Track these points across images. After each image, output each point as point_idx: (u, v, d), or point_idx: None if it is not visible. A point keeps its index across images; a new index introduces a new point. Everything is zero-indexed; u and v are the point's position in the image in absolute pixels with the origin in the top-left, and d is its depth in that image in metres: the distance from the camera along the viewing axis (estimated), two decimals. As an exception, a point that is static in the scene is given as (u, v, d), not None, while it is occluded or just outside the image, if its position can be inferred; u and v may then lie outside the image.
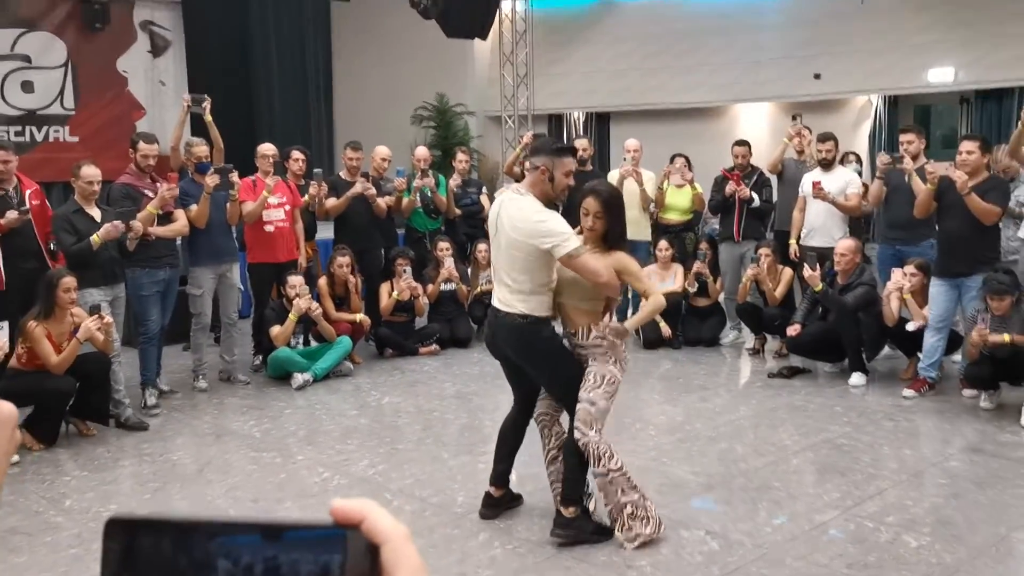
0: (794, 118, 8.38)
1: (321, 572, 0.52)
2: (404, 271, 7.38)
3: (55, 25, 11.85)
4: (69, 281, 5.29)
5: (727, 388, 6.64)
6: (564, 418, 4.06)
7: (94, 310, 5.37)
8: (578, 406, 3.76)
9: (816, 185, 6.99)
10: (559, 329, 3.98)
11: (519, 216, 3.78)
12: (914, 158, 6.42)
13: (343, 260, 7.17)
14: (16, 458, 5.02)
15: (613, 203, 3.90)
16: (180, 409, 6.18)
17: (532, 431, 4.18)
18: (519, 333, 3.83)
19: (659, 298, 3.99)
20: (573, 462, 3.84)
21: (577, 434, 3.76)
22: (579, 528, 3.85)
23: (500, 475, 4.17)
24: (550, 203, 3.93)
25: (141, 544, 0.53)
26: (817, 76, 11.49)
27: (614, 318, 4.04)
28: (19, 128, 11.57)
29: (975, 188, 5.70)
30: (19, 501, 4.52)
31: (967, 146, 5.85)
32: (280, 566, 0.52)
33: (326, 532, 0.53)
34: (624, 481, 3.78)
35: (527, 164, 4.03)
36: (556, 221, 3.74)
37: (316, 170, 7.50)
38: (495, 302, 3.93)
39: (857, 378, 6.41)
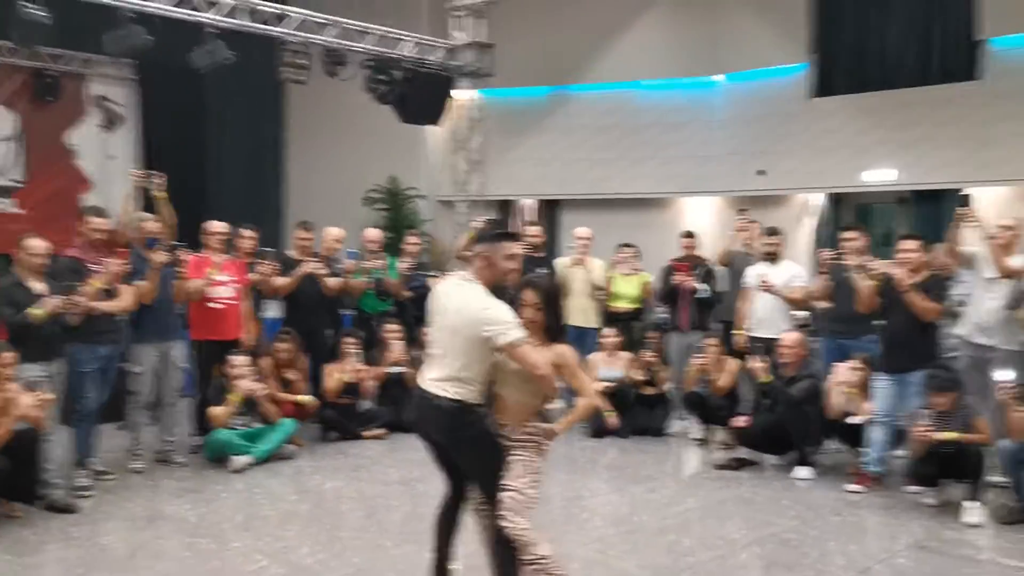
0: (741, 211, 8.58)
1: None
2: (350, 356, 7.30)
3: (6, 96, 11.76)
4: (7, 356, 5.19)
5: (674, 478, 6.61)
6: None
7: (33, 385, 5.22)
8: (505, 494, 3.71)
9: (762, 279, 7.12)
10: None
11: (464, 302, 3.79)
12: (856, 255, 6.58)
13: (284, 346, 7.10)
14: (-67, 541, 4.77)
15: (551, 295, 3.94)
16: (113, 491, 5.94)
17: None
18: (448, 417, 3.77)
19: (592, 400, 4.01)
20: (503, 552, 3.76)
21: (504, 523, 3.69)
22: None
23: (440, 566, 4.06)
24: (499, 290, 3.92)
25: None
26: (762, 172, 11.82)
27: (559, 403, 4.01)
28: (-36, 199, 11.37)
29: (915, 285, 5.85)
30: (-67, 588, 4.28)
31: (907, 244, 6.04)
32: None
33: None
34: (554, 569, 3.72)
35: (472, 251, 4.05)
36: (500, 310, 3.74)
37: (266, 249, 7.45)
38: (424, 382, 3.87)
39: (804, 471, 6.43)
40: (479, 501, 3.97)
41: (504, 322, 3.68)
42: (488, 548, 3.95)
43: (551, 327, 3.88)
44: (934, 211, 10.95)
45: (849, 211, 11.77)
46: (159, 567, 4.64)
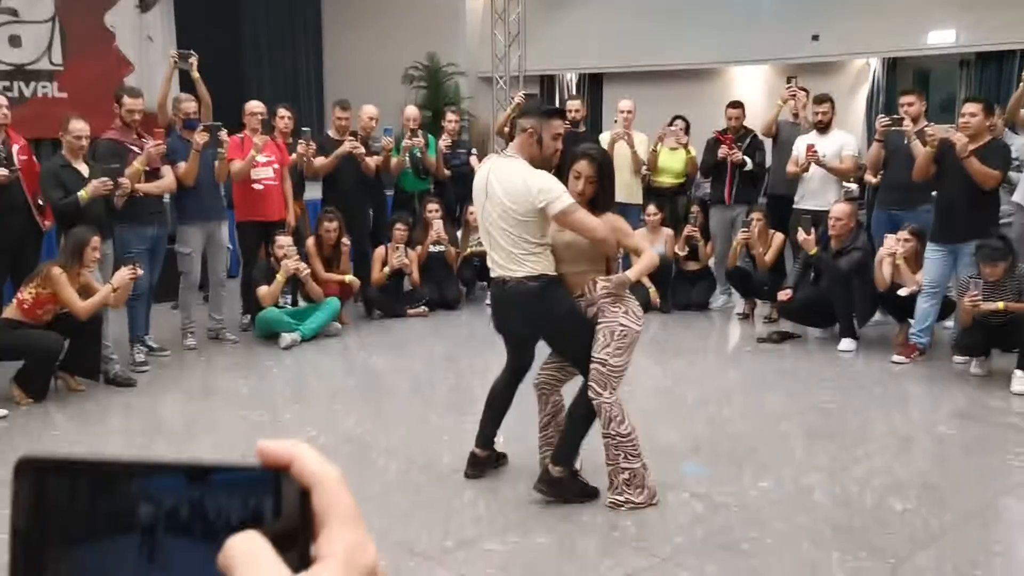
0: (789, 80, 8.28)
1: (251, 517, 0.48)
2: (398, 248, 7.33)
3: (42, -22, 11.64)
4: (97, 241, 5.36)
5: (716, 353, 6.63)
6: (564, 388, 4.05)
7: (128, 260, 5.49)
8: (591, 366, 3.72)
9: (810, 149, 6.92)
10: None
11: (510, 178, 3.71)
12: (914, 120, 6.34)
13: (331, 225, 7.12)
14: (4, 412, 5.02)
15: (606, 168, 3.84)
16: (168, 367, 6.15)
17: (520, 394, 4.16)
18: (531, 299, 3.73)
19: (653, 254, 3.95)
20: (574, 424, 3.81)
21: (591, 393, 3.72)
22: (564, 489, 3.83)
23: (487, 438, 4.15)
24: (540, 166, 3.84)
25: (54, 487, 0.49)
26: (815, 37, 11.35)
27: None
28: (7, 83, 11.41)
29: (975, 152, 5.64)
30: (7, 454, 4.50)
31: (970, 108, 5.77)
32: (206, 510, 0.48)
33: (255, 475, 0.49)
34: (629, 447, 3.75)
35: (516, 124, 3.95)
36: (548, 178, 3.68)
37: (304, 128, 7.42)
38: (496, 271, 3.83)
39: (847, 344, 6.39)
40: (543, 381, 4.01)
41: (553, 189, 3.62)
42: (546, 425, 4.05)
43: (601, 199, 3.81)
44: (996, 74, 10.48)
45: (906, 76, 11.32)
46: (216, 437, 4.83)
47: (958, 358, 5.94)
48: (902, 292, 6.19)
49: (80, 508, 0.49)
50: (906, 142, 6.26)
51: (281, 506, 0.49)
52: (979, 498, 3.89)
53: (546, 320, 3.82)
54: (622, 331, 3.72)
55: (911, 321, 6.21)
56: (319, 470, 0.48)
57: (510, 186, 3.70)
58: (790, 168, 7.17)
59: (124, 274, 5.40)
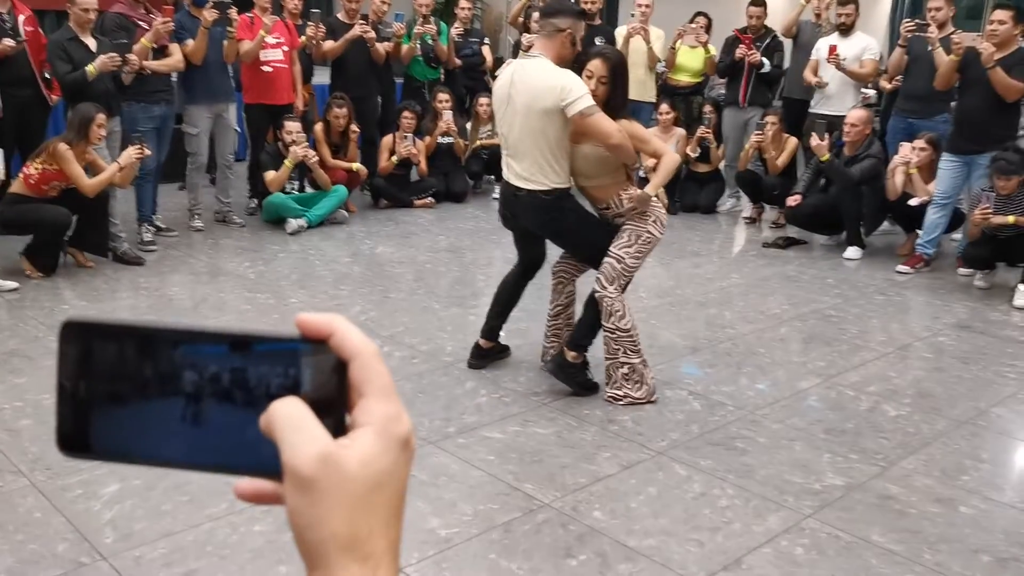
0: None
1: (290, 385, 0.50)
2: (406, 137, 7.25)
3: None
4: (103, 118, 5.32)
5: (720, 255, 6.64)
6: (579, 281, 4.12)
7: (135, 139, 5.47)
8: (605, 259, 3.77)
9: (832, 50, 6.77)
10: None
11: (534, 78, 3.65)
12: (940, 27, 6.18)
13: (340, 112, 7.01)
14: (16, 284, 5.09)
15: (620, 69, 3.78)
16: (176, 247, 6.19)
17: (527, 291, 4.21)
18: (543, 211, 3.78)
19: (672, 156, 3.92)
20: (593, 313, 3.87)
21: (597, 286, 3.78)
22: (570, 375, 3.92)
23: (492, 330, 4.20)
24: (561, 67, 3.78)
25: (100, 349, 0.51)
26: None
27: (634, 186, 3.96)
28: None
29: (1000, 62, 5.53)
30: (19, 326, 4.59)
31: (999, 15, 5.62)
32: (248, 378, 0.50)
33: (295, 345, 0.51)
34: (628, 343, 3.81)
35: (542, 24, 3.83)
36: (573, 78, 3.62)
37: (313, 10, 7.25)
38: (511, 179, 3.82)
39: (853, 251, 6.40)
40: (561, 270, 4.09)
41: (575, 90, 3.57)
42: (557, 314, 4.15)
43: (613, 100, 3.75)
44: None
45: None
46: (223, 317, 4.90)
47: (963, 270, 5.96)
48: (913, 202, 6.17)
49: (126, 370, 0.51)
50: (929, 49, 6.12)
51: (317, 376, 0.51)
52: (972, 407, 3.96)
53: (557, 228, 3.88)
54: (648, 237, 3.78)
55: (919, 232, 6.20)
56: (358, 343, 0.50)
57: (533, 83, 3.64)
58: (807, 76, 7.04)
59: (131, 153, 5.38)
